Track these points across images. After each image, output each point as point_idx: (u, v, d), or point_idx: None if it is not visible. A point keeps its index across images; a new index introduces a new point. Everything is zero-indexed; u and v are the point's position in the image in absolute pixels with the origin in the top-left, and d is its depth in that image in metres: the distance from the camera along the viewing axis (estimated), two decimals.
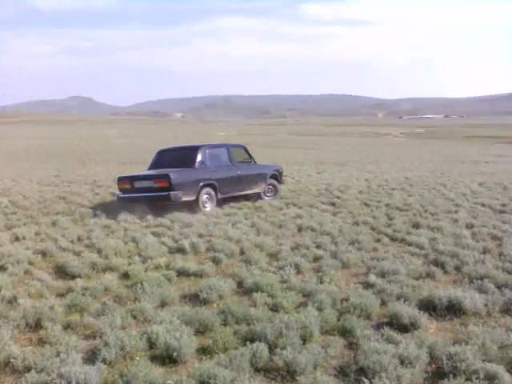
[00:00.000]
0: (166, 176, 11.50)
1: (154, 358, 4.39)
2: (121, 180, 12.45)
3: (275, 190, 14.30)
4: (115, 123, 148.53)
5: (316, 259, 7.60)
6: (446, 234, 9.11)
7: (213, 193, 12.32)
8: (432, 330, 5.08)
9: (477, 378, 3.85)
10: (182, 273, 6.98)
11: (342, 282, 6.48)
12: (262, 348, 4.37)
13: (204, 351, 4.57)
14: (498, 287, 6.07)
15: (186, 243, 8.33)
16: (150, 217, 10.99)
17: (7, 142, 58.08)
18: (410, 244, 8.39)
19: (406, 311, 5.15)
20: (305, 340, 4.68)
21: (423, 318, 5.12)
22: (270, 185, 14.20)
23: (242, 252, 8.01)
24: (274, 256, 7.81)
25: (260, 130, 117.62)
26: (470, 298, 5.52)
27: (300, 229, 9.68)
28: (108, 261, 7.44)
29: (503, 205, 12.67)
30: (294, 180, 20.18)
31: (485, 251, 7.84)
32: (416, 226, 10.01)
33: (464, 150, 51.23)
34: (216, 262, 7.52)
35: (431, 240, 8.58)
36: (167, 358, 4.36)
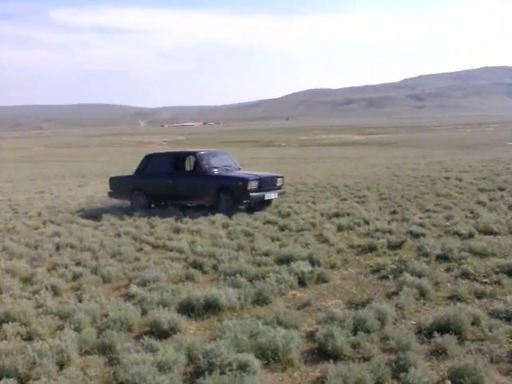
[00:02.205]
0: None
1: None
2: None
3: (229, 205, 12.49)
4: None
5: (75, 277, 7.27)
6: (204, 236, 9.56)
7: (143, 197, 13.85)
8: (191, 330, 5.27)
9: (230, 370, 4.09)
10: None
11: (103, 298, 6.31)
12: None
13: None
14: (250, 280, 6.61)
15: None
16: None
17: None
18: (171, 249, 8.59)
19: (166, 317, 5.24)
20: (62, 365, 4.42)
21: (182, 321, 5.27)
22: (224, 198, 12.57)
23: None
24: (28, 280, 7.23)
25: (14, 143, 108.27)
26: (225, 294, 5.88)
27: (58, 247, 9.15)
28: None
29: None
30: (53, 196, 19.05)
31: (239, 248, 8.45)
32: (177, 231, 10.30)
33: None
34: None
35: (191, 243, 8.92)
36: None
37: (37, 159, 55.56)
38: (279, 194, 13.30)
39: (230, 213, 11.85)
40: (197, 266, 7.51)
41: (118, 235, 10.02)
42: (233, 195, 12.49)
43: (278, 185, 13.24)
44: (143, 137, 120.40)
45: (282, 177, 13.76)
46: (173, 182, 13.40)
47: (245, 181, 12.38)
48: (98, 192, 18.78)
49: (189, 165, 14.25)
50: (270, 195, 12.84)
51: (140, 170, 14.19)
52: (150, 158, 14.30)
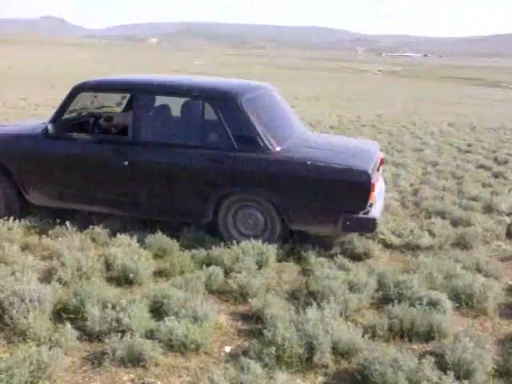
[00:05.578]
0: None
1: (110, 279, 4.45)
2: None
3: None
4: (88, 46, 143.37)
5: None
6: (409, 171, 9.26)
7: None
8: (384, 259, 5.26)
9: (420, 304, 4.01)
10: None
11: None
12: (217, 272, 4.47)
13: (161, 274, 4.65)
14: (453, 222, 6.29)
15: None
16: None
17: None
18: None
19: (361, 241, 5.30)
20: (261, 266, 4.79)
21: (377, 249, 5.29)
22: None
23: None
24: None
25: (239, 60, 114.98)
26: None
27: None
28: None
29: (469, 145, 12.88)
30: None
31: (444, 189, 8.03)
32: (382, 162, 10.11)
33: (438, 90, 51.26)
34: None
35: (394, 175, 8.72)
36: (123, 280, 4.43)
37: (254, 79, 58.41)
38: None
39: None
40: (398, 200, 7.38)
41: None
42: None
43: None
44: (359, 64, 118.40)
45: None
46: None
47: None
48: (307, 115, 19.21)
49: None
50: None
51: None
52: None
